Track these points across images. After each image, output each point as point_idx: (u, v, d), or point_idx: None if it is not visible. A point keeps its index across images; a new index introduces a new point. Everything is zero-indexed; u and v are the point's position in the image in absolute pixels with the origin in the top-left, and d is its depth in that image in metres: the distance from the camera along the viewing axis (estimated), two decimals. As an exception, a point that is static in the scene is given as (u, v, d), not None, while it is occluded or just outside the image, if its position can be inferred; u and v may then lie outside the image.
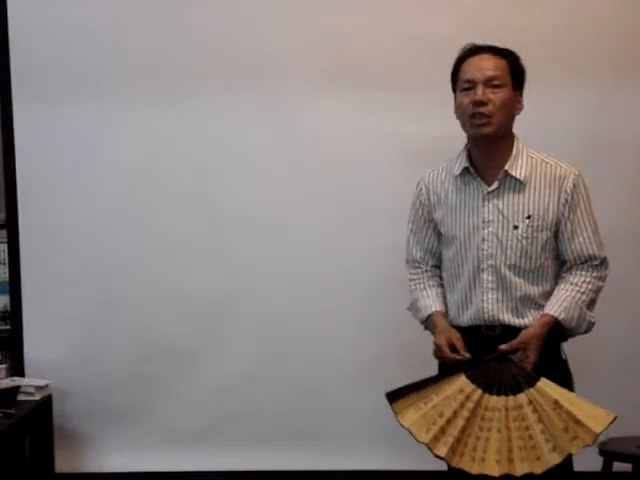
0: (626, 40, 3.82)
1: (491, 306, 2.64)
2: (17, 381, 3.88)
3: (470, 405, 2.41)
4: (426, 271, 2.83)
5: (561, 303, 2.59)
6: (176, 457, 3.99)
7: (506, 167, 2.62)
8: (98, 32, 3.92)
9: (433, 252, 2.82)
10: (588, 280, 2.62)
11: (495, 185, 2.63)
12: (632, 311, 3.83)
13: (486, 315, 2.65)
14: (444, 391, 2.46)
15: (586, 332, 2.65)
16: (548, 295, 2.64)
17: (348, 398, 3.92)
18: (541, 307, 2.63)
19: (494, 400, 2.43)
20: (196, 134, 3.94)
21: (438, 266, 2.83)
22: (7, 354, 4.03)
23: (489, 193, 2.64)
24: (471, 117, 2.61)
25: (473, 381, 2.47)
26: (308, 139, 3.90)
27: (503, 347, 2.54)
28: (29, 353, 4.01)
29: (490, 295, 2.64)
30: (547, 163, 2.64)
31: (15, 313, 4.02)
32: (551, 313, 2.58)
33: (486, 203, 2.64)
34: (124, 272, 3.97)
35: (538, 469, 2.31)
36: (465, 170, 2.68)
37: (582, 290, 2.61)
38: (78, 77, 3.92)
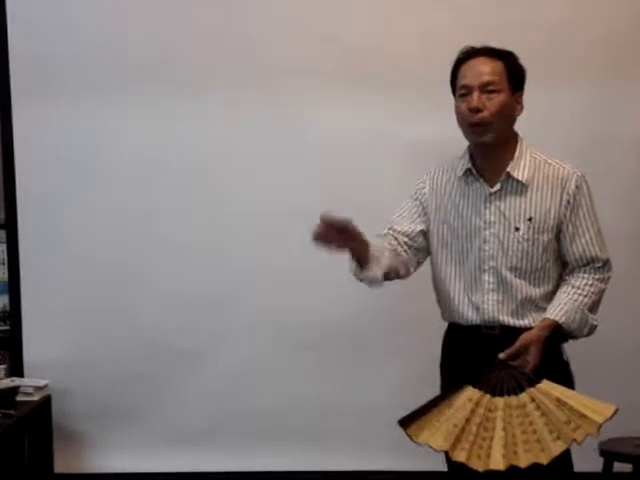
0: (626, 40, 3.82)
1: (491, 307, 2.63)
2: (16, 381, 3.89)
3: (481, 411, 2.42)
4: (388, 235, 2.72)
5: (562, 306, 2.58)
6: (176, 457, 4.00)
7: (508, 169, 2.61)
8: (98, 32, 3.93)
9: (408, 234, 2.72)
10: (590, 282, 2.61)
11: (497, 187, 2.62)
12: (632, 311, 3.84)
13: (486, 316, 2.64)
14: (455, 404, 2.46)
15: (588, 335, 2.63)
16: (550, 297, 2.62)
17: (348, 398, 3.92)
18: (542, 309, 2.61)
19: (498, 401, 2.43)
20: (196, 134, 3.94)
21: (404, 243, 2.73)
22: (6, 354, 4.03)
23: (491, 194, 2.63)
24: (469, 126, 2.60)
25: (479, 389, 2.47)
26: (308, 139, 3.90)
27: (502, 356, 2.52)
28: (28, 353, 4.01)
29: (491, 296, 2.63)
30: (550, 164, 2.63)
31: (14, 313, 4.03)
32: (552, 317, 2.57)
33: (488, 204, 2.63)
34: (124, 272, 3.97)
35: (544, 459, 2.30)
36: (468, 171, 2.67)
37: (584, 293, 2.59)
38: (78, 77, 3.93)
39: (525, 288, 2.61)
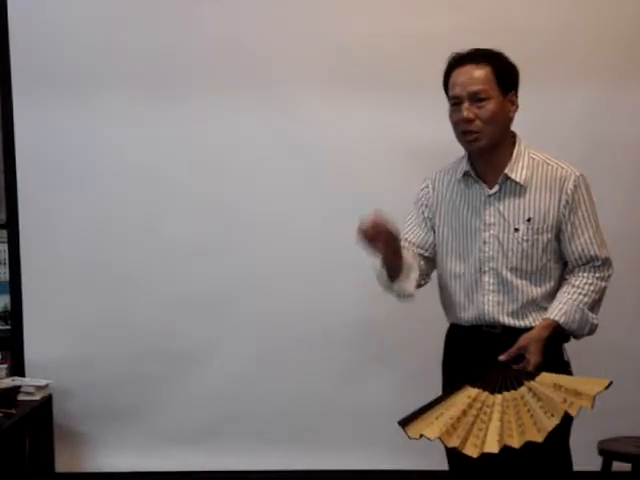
0: (626, 40, 3.82)
1: (492, 308, 2.63)
2: (17, 381, 3.89)
3: (478, 405, 2.42)
4: (405, 247, 2.71)
5: (562, 306, 2.58)
6: (176, 457, 4.00)
7: (506, 170, 2.61)
8: (99, 32, 3.93)
9: (422, 246, 2.75)
10: (590, 282, 2.61)
11: (496, 188, 2.63)
12: (632, 311, 3.84)
13: (487, 317, 2.64)
14: (453, 401, 2.46)
15: (590, 334, 2.63)
16: (550, 297, 2.63)
17: (348, 398, 3.93)
18: (543, 309, 2.61)
19: (496, 397, 2.43)
20: (196, 134, 3.94)
21: (419, 255, 2.74)
22: (7, 354, 4.03)
23: (490, 196, 2.63)
24: (461, 134, 2.61)
25: (478, 388, 2.47)
26: (308, 140, 3.91)
27: (502, 358, 2.53)
28: (29, 353, 4.02)
29: (491, 297, 2.64)
30: (548, 164, 2.63)
31: (15, 313, 4.03)
32: (552, 317, 2.57)
33: (487, 206, 2.64)
34: (124, 272, 3.98)
35: (539, 438, 2.30)
36: (467, 173, 2.68)
37: (584, 292, 2.60)
38: (79, 77, 3.93)
39: (526, 289, 2.62)
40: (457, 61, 2.63)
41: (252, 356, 3.97)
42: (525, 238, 2.60)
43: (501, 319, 2.63)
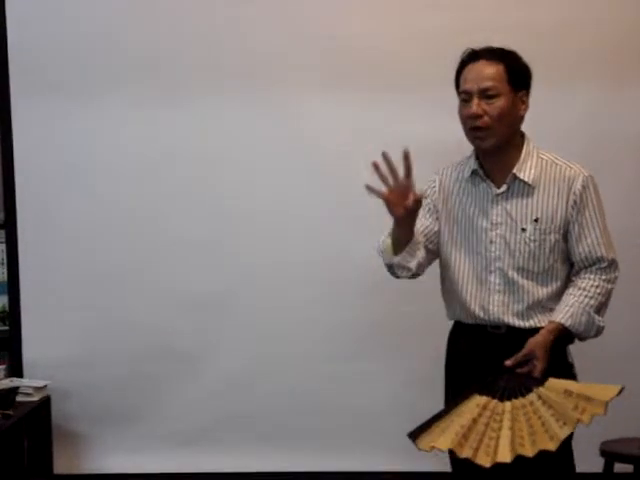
0: (626, 40, 3.83)
1: (497, 308, 2.62)
2: (16, 382, 3.88)
3: (488, 413, 2.41)
4: None
5: (568, 309, 2.56)
6: (175, 458, 3.99)
7: (514, 170, 2.60)
8: (98, 31, 3.93)
9: (426, 234, 2.72)
10: (596, 284, 2.60)
11: (503, 188, 2.62)
12: (633, 312, 3.83)
13: (492, 317, 2.63)
14: (462, 411, 2.45)
15: (596, 336, 2.62)
16: (556, 298, 2.61)
17: (348, 399, 3.92)
18: (549, 310, 2.60)
19: (506, 405, 2.41)
20: (196, 133, 3.95)
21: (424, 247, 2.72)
22: (6, 355, 4.03)
23: (497, 195, 2.63)
24: (470, 130, 2.60)
25: (487, 396, 2.46)
26: (308, 138, 3.91)
27: (508, 363, 2.51)
28: (28, 354, 4.01)
29: (497, 297, 2.62)
30: (557, 165, 2.62)
31: (14, 314, 4.02)
32: (558, 319, 2.56)
33: (495, 205, 2.63)
34: (123, 272, 3.97)
35: (552, 446, 2.29)
36: (474, 172, 2.67)
37: (590, 294, 2.58)
38: (78, 76, 3.93)
39: (532, 289, 2.61)
40: (470, 57, 2.63)
41: (252, 356, 3.97)
42: (532, 238, 2.59)
43: (506, 319, 2.62)
